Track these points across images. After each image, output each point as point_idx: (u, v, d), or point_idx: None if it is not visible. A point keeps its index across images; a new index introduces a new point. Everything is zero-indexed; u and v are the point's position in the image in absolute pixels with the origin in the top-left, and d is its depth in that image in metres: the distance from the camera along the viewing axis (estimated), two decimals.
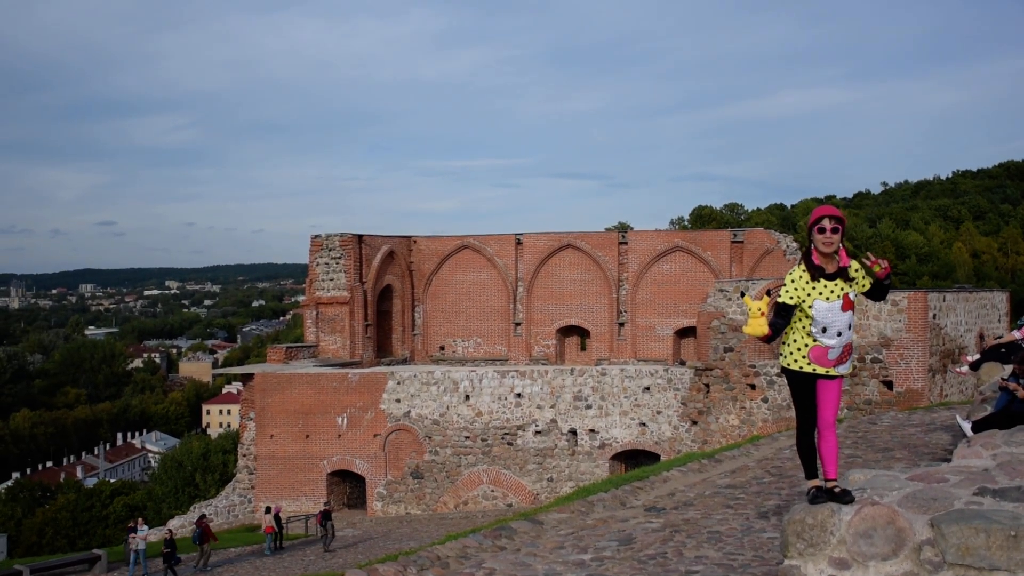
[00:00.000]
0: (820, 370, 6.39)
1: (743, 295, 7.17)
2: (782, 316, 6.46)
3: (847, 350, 6.42)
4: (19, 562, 36.01)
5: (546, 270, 48.01)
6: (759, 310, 6.42)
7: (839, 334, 6.35)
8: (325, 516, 31.04)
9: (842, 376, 6.51)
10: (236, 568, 29.36)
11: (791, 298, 6.40)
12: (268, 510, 32.54)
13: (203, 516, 31.37)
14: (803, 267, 6.44)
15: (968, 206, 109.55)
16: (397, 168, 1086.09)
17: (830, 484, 6.23)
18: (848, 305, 6.35)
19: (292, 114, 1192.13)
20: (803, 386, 6.48)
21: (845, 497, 6.01)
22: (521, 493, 36.49)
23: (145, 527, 30.16)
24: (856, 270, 6.47)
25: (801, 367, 6.42)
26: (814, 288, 6.35)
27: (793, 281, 6.42)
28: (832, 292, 6.33)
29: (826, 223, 6.30)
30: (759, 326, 6.40)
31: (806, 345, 6.40)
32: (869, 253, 6.60)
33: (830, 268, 6.37)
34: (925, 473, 6.43)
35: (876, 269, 6.37)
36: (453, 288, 49.21)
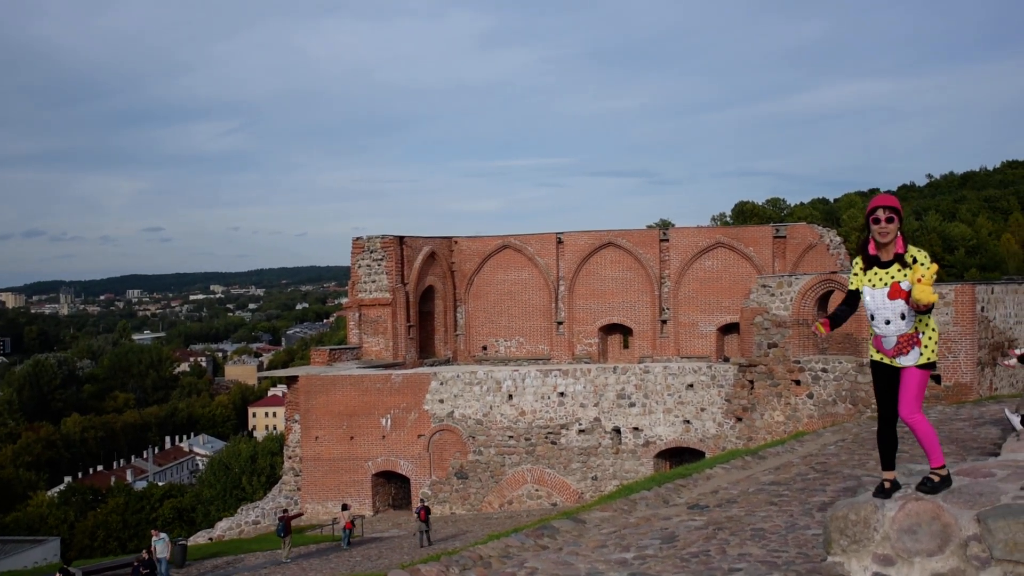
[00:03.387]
0: (885, 360, 6.41)
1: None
2: (848, 303, 6.70)
3: (905, 340, 6.30)
4: (73, 564, 36.74)
5: (587, 268, 47.91)
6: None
7: (887, 322, 6.32)
8: (428, 512, 31.27)
9: (912, 367, 6.30)
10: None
11: (852, 285, 6.62)
12: (345, 507, 34.02)
13: (285, 511, 32.35)
14: (860, 256, 6.61)
15: (1018, 196, 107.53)
16: (438, 169, 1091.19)
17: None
18: (897, 293, 6.28)
19: (334, 117, 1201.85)
20: (877, 376, 6.55)
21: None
22: (565, 492, 36.45)
23: (164, 535, 30.55)
24: (918, 259, 6.36)
25: (871, 356, 6.54)
26: (866, 276, 6.50)
27: (851, 268, 6.67)
28: (880, 280, 6.39)
29: (880, 213, 6.38)
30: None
31: (872, 335, 6.52)
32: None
33: (884, 257, 6.43)
34: (971, 468, 6.34)
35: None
36: (495, 288, 49.26)
